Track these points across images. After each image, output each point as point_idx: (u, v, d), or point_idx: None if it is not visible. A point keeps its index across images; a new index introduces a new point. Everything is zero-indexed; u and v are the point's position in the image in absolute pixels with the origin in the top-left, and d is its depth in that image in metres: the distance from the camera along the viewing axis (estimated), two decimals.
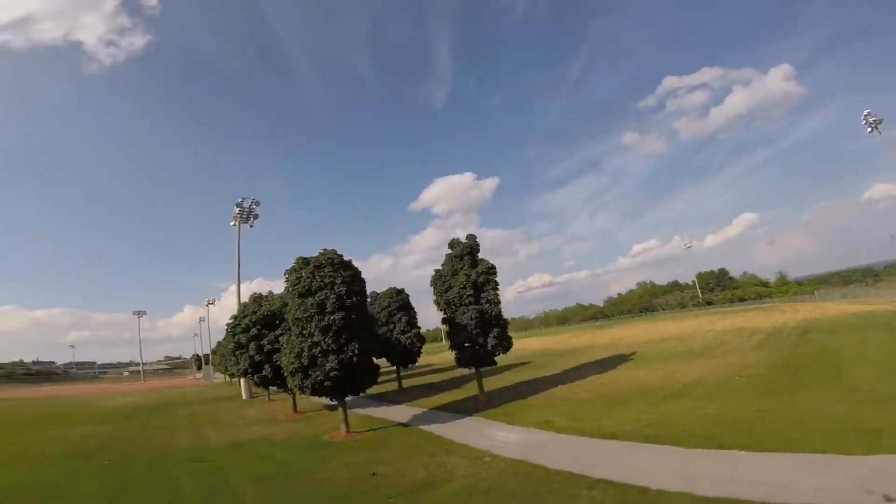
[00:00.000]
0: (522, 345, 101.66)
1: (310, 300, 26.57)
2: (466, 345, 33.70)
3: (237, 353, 38.55)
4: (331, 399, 26.81)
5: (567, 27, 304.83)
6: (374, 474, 17.83)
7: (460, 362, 34.71)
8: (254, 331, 37.85)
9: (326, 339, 25.53)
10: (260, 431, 30.95)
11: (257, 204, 66.04)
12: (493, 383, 39.96)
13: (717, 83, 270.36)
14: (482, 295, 33.82)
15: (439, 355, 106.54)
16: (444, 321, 35.51)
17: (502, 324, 33.52)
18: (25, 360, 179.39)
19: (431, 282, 36.24)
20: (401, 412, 33.19)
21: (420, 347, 45.27)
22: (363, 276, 30.29)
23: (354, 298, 27.11)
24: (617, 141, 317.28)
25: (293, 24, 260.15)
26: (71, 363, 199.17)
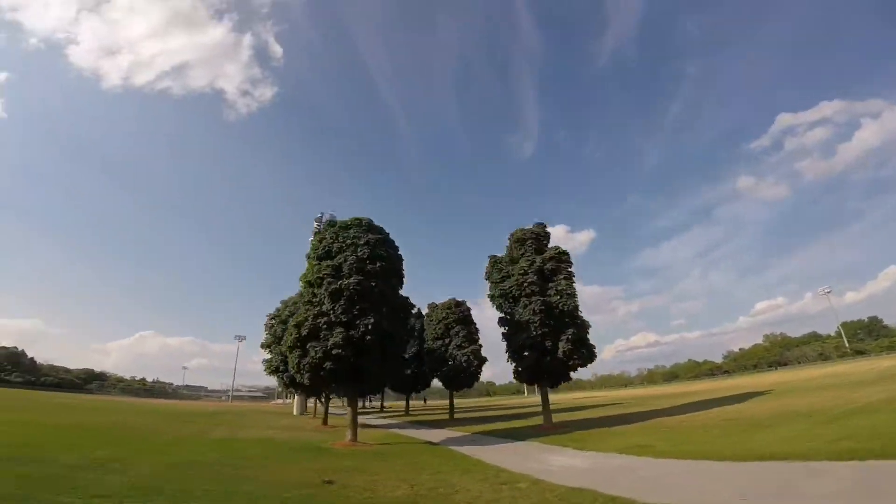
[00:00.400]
0: (617, 394, 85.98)
1: (325, 262, 21.52)
2: (527, 353, 25.27)
3: (271, 347, 34.62)
4: (332, 391, 20.51)
5: (660, 70, 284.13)
6: (328, 482, 11.23)
7: (520, 375, 26.15)
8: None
9: (336, 308, 19.82)
10: (269, 434, 25.68)
11: (334, 217, 66.16)
12: (567, 416, 30.12)
13: (840, 117, 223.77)
14: (550, 285, 25.65)
15: (517, 399, 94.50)
16: (500, 322, 27.70)
17: (579, 324, 24.66)
18: (148, 379, 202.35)
19: (486, 273, 29.05)
20: (437, 434, 25.42)
21: (479, 366, 37.11)
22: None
23: (378, 265, 21.33)
24: (729, 187, 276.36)
25: (389, 76, 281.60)
26: (181, 385, 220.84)
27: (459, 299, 42.19)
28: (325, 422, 32.55)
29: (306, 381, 20.04)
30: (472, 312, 41.23)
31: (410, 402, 57.40)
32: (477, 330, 40.30)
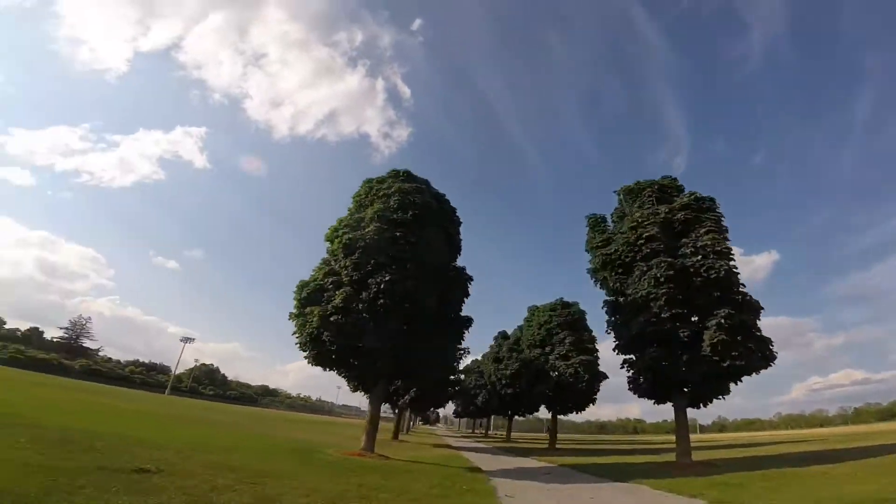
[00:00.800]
0: (813, 432, 60.47)
1: (351, 217, 16.94)
2: (654, 347, 15.98)
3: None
4: (333, 367, 15.07)
5: (832, 63, 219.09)
6: (142, 470, 5.49)
7: (637, 386, 16.90)
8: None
9: (347, 264, 14.82)
10: (307, 437, 22.07)
11: None
12: (723, 454, 18.97)
13: None
14: (683, 241, 16.43)
15: (668, 437, 72.48)
16: (606, 308, 19.00)
17: (741, 301, 14.89)
18: (312, 397, 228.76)
19: (587, 242, 20.70)
20: (510, 461, 17.77)
21: (592, 382, 27.53)
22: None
23: (410, 213, 15.84)
24: None
25: (508, 103, 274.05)
26: (339, 404, 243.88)
27: (570, 300, 33.41)
28: (395, 436, 27.28)
29: (312, 361, 15.06)
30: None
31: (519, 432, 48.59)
32: (592, 339, 30.82)
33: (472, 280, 18.55)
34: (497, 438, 46.86)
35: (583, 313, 32.71)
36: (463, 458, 17.66)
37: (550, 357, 30.12)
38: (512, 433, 46.77)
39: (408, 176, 18.12)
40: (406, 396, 27.07)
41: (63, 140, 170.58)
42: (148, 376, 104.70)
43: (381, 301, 13.79)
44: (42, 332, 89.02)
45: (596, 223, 20.37)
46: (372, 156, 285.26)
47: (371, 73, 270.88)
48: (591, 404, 28.40)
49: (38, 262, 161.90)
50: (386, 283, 13.81)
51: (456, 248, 18.78)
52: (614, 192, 21.20)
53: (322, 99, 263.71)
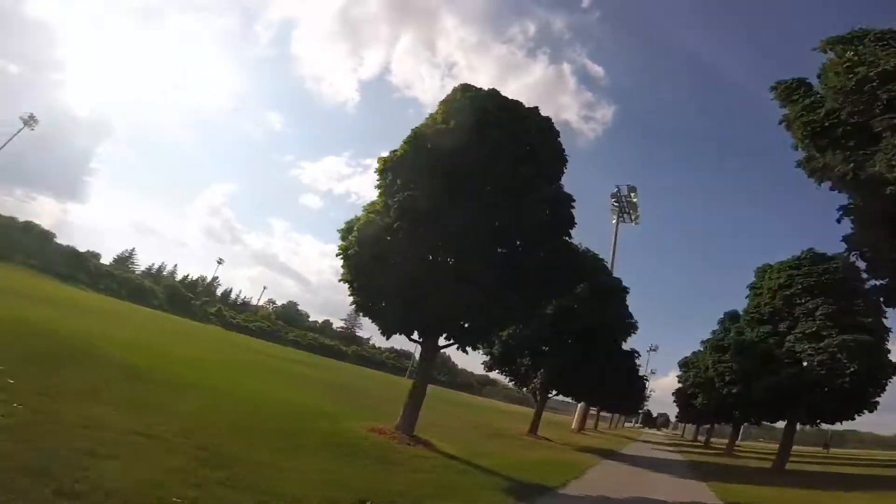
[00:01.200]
0: None
1: None
2: None
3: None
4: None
5: None
6: None
7: None
8: None
9: (381, 190, 12.58)
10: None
11: (634, 191, 52.10)
12: None
13: None
14: None
15: None
16: (841, 214, 10.18)
17: None
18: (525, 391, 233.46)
19: (783, 118, 11.74)
20: (640, 484, 11.71)
21: (863, 375, 15.85)
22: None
23: (452, 122, 12.26)
24: None
25: (737, 61, 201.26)
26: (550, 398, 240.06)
27: (815, 250, 20.97)
28: (533, 429, 22.64)
29: (356, 310, 13.26)
30: None
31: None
32: (869, 311, 18.13)
33: (573, 202, 13.12)
34: (716, 450, 34.55)
35: (854, 271, 19.82)
36: (573, 472, 12.00)
37: (788, 338, 19.23)
38: (757, 444, 33.47)
39: (465, 87, 14.34)
40: (535, 378, 22.13)
41: (335, 168, 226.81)
42: (398, 362, 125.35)
43: (397, 224, 10.84)
44: (332, 324, 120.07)
45: (790, 90, 11.46)
46: (576, 142, 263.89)
47: (554, 59, 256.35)
48: (864, 411, 16.61)
49: (332, 269, 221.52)
50: (408, 197, 10.83)
51: (549, 166, 13.63)
52: (813, 49, 11.64)
53: (513, 95, 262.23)
